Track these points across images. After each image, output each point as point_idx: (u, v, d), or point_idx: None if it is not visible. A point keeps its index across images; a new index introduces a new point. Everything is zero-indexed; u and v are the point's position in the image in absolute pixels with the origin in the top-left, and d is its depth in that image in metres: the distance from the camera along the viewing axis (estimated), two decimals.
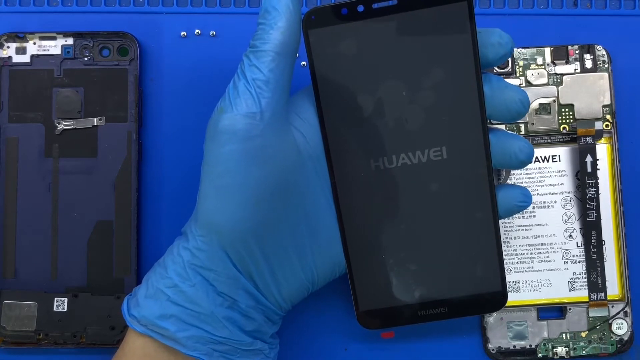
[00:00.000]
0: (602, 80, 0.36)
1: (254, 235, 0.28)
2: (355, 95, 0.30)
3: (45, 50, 0.35)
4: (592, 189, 0.35)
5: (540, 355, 0.35)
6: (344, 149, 0.30)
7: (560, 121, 0.36)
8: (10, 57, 0.35)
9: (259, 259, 0.29)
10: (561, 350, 0.35)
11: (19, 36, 0.35)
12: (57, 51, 0.35)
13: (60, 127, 0.35)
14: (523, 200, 0.31)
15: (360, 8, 0.29)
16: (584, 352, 0.35)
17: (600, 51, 0.36)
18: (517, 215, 0.35)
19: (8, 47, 0.35)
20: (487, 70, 0.31)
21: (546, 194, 0.35)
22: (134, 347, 0.29)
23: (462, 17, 0.29)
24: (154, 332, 0.29)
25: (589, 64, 0.36)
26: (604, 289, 0.35)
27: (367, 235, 0.31)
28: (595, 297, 0.35)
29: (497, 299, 0.31)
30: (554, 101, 0.36)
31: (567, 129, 0.36)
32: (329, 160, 0.30)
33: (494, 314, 0.35)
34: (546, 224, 0.35)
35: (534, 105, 0.36)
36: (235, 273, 0.29)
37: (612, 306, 0.35)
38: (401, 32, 0.29)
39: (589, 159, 0.35)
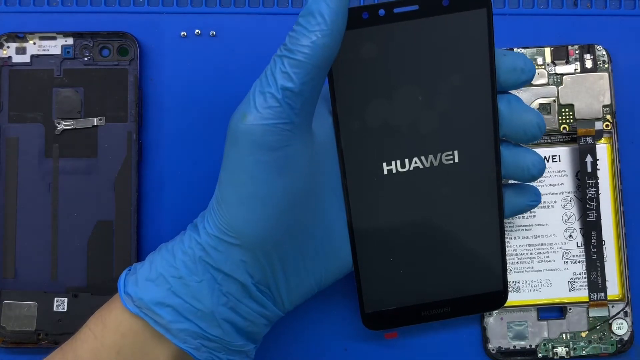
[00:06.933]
0: (602, 80, 0.36)
1: (275, 243, 0.28)
2: (372, 99, 0.30)
3: (45, 50, 0.35)
4: (592, 189, 0.35)
5: (540, 355, 0.35)
6: (357, 153, 0.30)
7: (560, 121, 0.36)
8: (10, 57, 0.35)
9: (276, 267, 0.29)
10: (561, 351, 0.35)
11: (19, 36, 0.35)
12: (57, 51, 0.35)
13: (60, 127, 0.35)
14: (534, 200, 0.32)
15: (382, 12, 0.29)
16: (584, 352, 0.35)
17: (600, 51, 0.36)
18: (517, 215, 0.35)
19: (8, 47, 0.35)
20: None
21: (546, 194, 0.35)
22: (118, 321, 0.29)
23: (481, 24, 0.29)
24: (147, 316, 0.28)
25: (589, 64, 0.36)
26: (604, 289, 0.35)
27: (376, 238, 0.31)
28: (596, 297, 0.35)
29: (498, 297, 0.33)
30: (554, 101, 0.36)
31: (567, 129, 0.36)
32: (341, 163, 0.30)
33: (494, 313, 0.35)
34: (546, 224, 0.35)
35: (534, 105, 0.36)
36: (248, 279, 0.29)
37: (612, 306, 0.35)
38: (420, 37, 0.29)
39: (589, 159, 0.35)
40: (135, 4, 0.36)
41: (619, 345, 0.35)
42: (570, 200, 0.36)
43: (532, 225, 0.36)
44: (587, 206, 0.35)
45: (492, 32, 0.29)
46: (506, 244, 0.35)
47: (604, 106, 0.36)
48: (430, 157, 0.30)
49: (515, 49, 0.36)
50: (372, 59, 0.29)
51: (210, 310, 0.28)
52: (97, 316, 0.30)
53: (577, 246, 0.35)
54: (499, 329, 0.35)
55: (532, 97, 0.36)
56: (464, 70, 0.30)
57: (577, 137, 0.35)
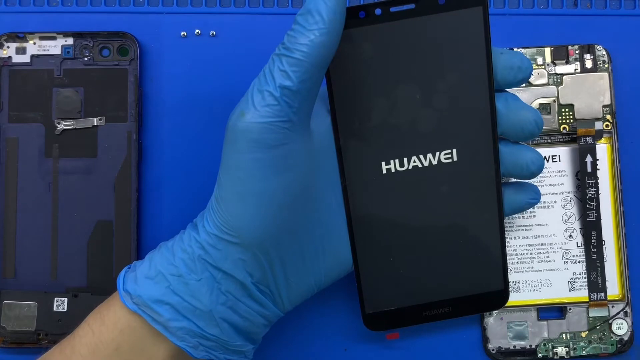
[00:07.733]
0: (602, 80, 0.36)
1: (274, 241, 0.28)
2: (370, 98, 0.30)
3: (45, 50, 0.35)
4: (592, 189, 0.35)
5: (540, 355, 0.35)
6: (356, 152, 0.30)
7: (560, 121, 0.36)
8: (10, 57, 0.35)
9: (276, 266, 0.29)
10: (561, 351, 0.35)
11: (19, 36, 0.35)
12: (57, 51, 0.35)
13: (60, 127, 0.35)
14: (534, 197, 0.32)
15: (378, 11, 0.29)
16: (584, 352, 0.35)
17: (600, 51, 0.36)
18: (517, 215, 0.35)
19: (8, 47, 0.35)
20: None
21: (546, 194, 0.35)
22: (116, 318, 0.29)
23: (477, 22, 0.29)
24: (146, 314, 0.28)
25: (589, 64, 0.36)
26: (604, 289, 0.35)
27: (376, 238, 0.31)
28: (595, 297, 0.35)
29: (499, 297, 0.32)
30: (554, 101, 0.36)
31: (567, 129, 0.36)
32: (340, 162, 0.30)
33: (494, 313, 0.35)
34: (546, 224, 0.35)
35: (534, 105, 0.36)
36: (247, 278, 0.29)
37: (612, 306, 0.35)
38: (417, 36, 0.29)
39: (589, 159, 0.35)
40: (135, 4, 0.36)
41: (619, 345, 0.35)
42: (570, 200, 0.36)
43: (532, 225, 0.36)
44: (587, 206, 0.35)
45: (489, 30, 0.29)
46: (506, 244, 0.35)
47: (604, 106, 0.36)
48: (429, 155, 0.30)
49: (515, 49, 0.36)
50: (369, 58, 0.29)
51: (209, 309, 0.28)
52: (96, 313, 0.30)
53: (577, 246, 0.35)
54: (499, 329, 0.35)
55: (532, 97, 0.36)
56: (461, 68, 0.30)
57: (577, 137, 0.35)
